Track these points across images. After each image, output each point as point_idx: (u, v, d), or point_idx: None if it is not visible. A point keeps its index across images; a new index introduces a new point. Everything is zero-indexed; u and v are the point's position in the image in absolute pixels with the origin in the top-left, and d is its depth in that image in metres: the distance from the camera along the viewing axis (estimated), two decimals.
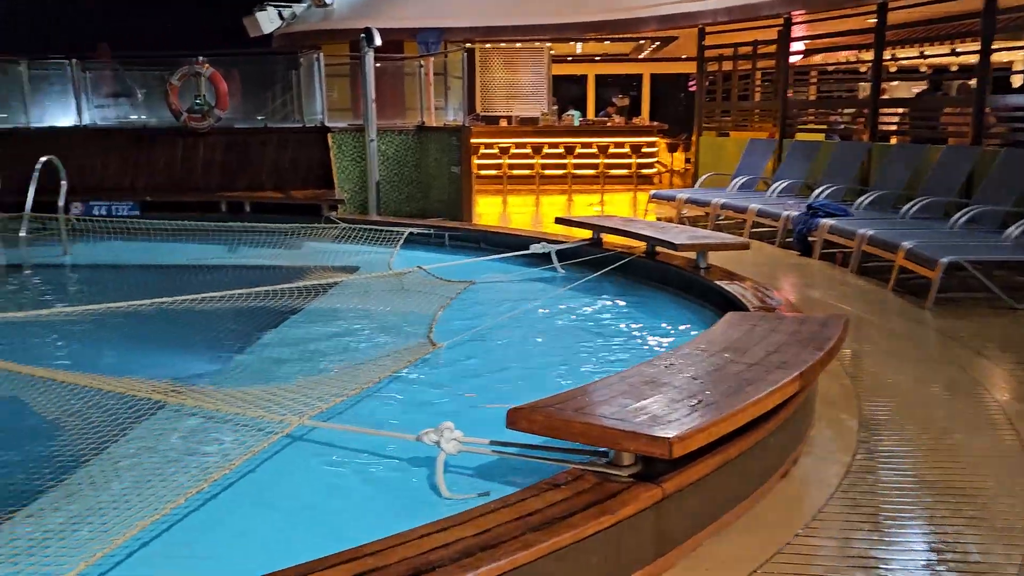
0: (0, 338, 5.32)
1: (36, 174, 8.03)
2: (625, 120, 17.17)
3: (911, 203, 7.90)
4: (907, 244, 6.48)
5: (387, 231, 8.37)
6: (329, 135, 10.56)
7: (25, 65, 11.28)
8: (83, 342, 5.42)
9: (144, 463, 3.26)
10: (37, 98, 11.54)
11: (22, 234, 7.95)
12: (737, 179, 11.08)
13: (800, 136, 11.48)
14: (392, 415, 3.86)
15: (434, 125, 11.42)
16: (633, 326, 5.45)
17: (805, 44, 13.25)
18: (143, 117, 11.81)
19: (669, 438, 2.49)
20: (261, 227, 8.42)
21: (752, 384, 2.98)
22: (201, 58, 10.67)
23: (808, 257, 8.08)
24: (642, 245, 6.73)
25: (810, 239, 8.14)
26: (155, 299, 6.04)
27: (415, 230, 8.49)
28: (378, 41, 10.16)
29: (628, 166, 15.65)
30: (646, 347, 4.97)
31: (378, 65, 11.46)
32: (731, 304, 5.16)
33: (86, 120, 11.49)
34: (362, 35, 10.21)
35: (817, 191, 9.15)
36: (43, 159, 8.16)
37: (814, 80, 12.60)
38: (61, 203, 8.37)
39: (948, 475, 3.34)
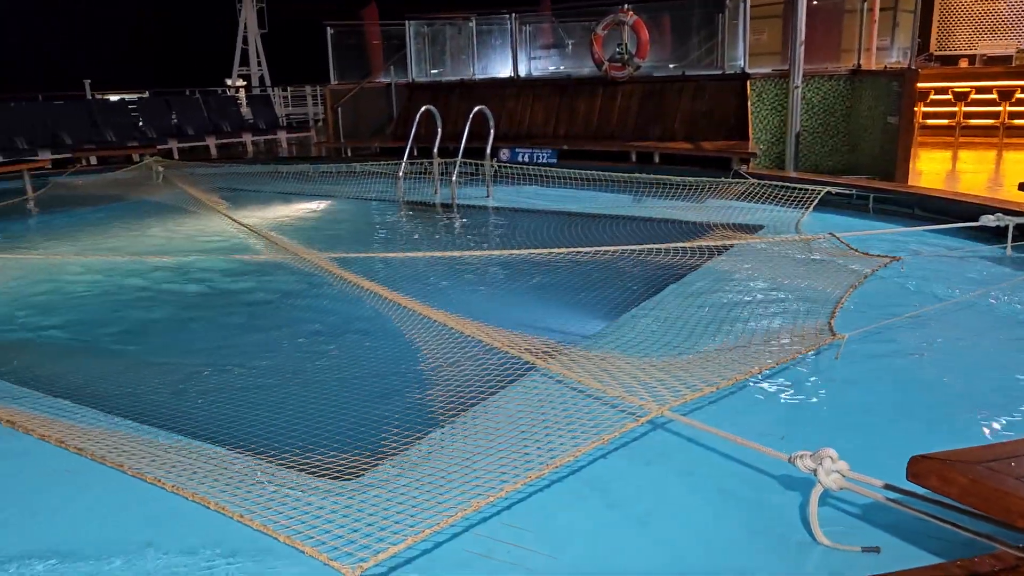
0: (409, 274, 5.86)
1: (468, 123, 8.73)
2: None
3: None
4: None
5: (800, 189, 7.52)
6: (748, 82, 9.82)
7: (474, 21, 12.40)
8: (477, 285, 5.70)
9: (500, 429, 3.19)
10: (482, 51, 12.66)
11: (454, 178, 8.76)
12: None
13: None
14: (760, 419, 3.28)
15: (872, 68, 9.97)
16: None
17: None
18: (566, 68, 12.25)
19: None
20: (664, 179, 8.16)
21: None
22: (626, 6, 10.63)
23: None
24: None
25: None
26: (551, 249, 6.18)
27: (833, 190, 7.49)
28: None
29: None
30: None
31: (814, 2, 10.34)
32: None
33: (521, 72, 12.30)
34: None
35: None
36: (476, 109, 8.85)
37: None
38: (488, 150, 9.03)
39: None
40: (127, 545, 2.54)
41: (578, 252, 6.13)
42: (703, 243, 6.11)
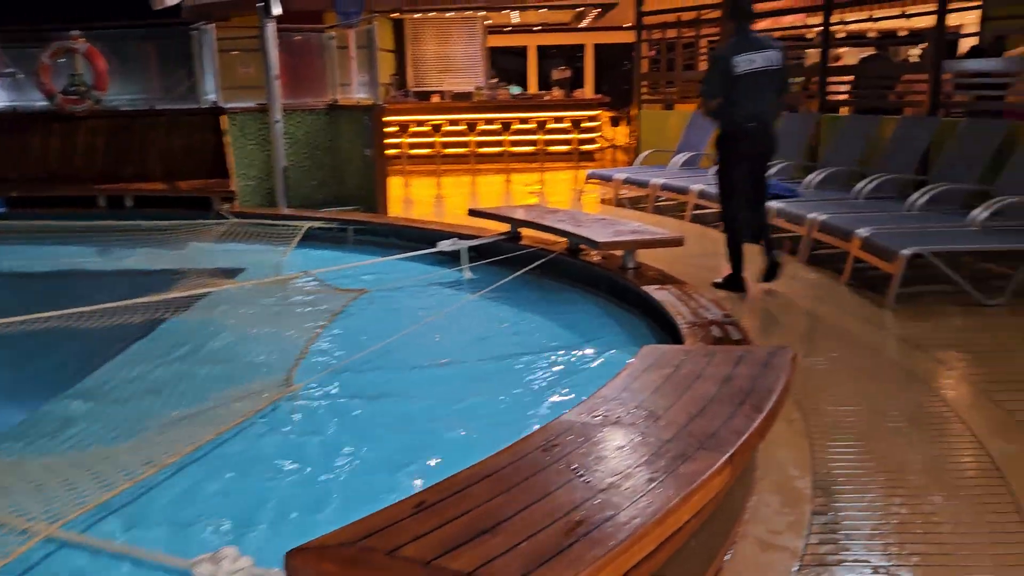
0: None
1: None
2: (566, 93, 16.19)
3: (865, 181, 7.10)
4: (863, 232, 5.67)
5: (284, 226, 7.36)
6: (224, 117, 9.39)
7: None
8: None
9: None
10: None
11: None
12: (680, 156, 10.22)
13: None
14: (195, 509, 2.86)
15: (350, 103, 10.33)
16: (548, 353, 4.43)
17: None
18: (13, 101, 10.44)
19: None
20: (130, 226, 7.33)
21: (664, 480, 2.09)
22: (76, 33, 9.41)
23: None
24: (564, 240, 5.84)
25: None
26: None
27: (315, 224, 7.47)
28: (277, 10, 9.01)
29: (569, 142, 14.73)
30: (565, 383, 4.00)
31: (297, 38, 10.39)
32: (661, 319, 4.33)
33: None
34: (259, 4, 9.05)
35: None
36: None
37: None
38: None
39: (930, 561, 2.52)
40: None
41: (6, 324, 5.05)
42: (169, 296, 5.51)
